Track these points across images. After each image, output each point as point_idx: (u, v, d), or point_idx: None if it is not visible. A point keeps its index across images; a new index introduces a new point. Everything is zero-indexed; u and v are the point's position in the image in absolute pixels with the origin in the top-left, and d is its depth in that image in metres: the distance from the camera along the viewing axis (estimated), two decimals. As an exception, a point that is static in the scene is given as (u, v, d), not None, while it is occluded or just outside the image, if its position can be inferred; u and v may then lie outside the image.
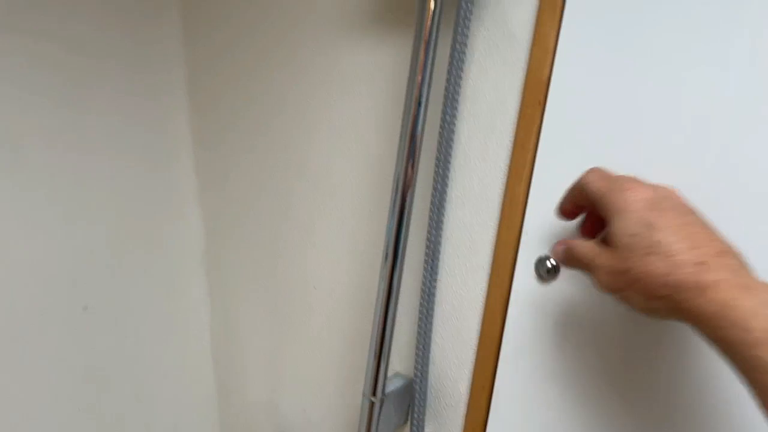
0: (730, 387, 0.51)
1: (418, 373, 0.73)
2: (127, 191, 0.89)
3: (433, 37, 0.59)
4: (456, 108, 0.62)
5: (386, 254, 0.66)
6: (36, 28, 0.74)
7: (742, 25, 0.47)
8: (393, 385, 0.75)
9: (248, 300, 1.01)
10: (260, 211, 0.93)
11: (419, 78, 0.60)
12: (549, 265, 0.60)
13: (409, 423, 0.77)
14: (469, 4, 0.58)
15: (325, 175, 0.81)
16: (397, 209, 0.64)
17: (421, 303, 0.70)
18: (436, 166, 0.65)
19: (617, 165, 0.50)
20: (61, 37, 0.77)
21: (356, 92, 0.74)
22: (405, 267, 0.70)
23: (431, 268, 0.69)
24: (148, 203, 0.93)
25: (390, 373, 0.77)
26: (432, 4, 0.58)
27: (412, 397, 0.75)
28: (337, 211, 0.81)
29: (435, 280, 0.70)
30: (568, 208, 0.51)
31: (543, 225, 0.60)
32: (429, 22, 0.58)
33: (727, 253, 0.38)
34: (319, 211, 0.84)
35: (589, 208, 0.50)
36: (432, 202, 0.66)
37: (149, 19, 0.87)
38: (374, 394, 0.71)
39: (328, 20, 0.75)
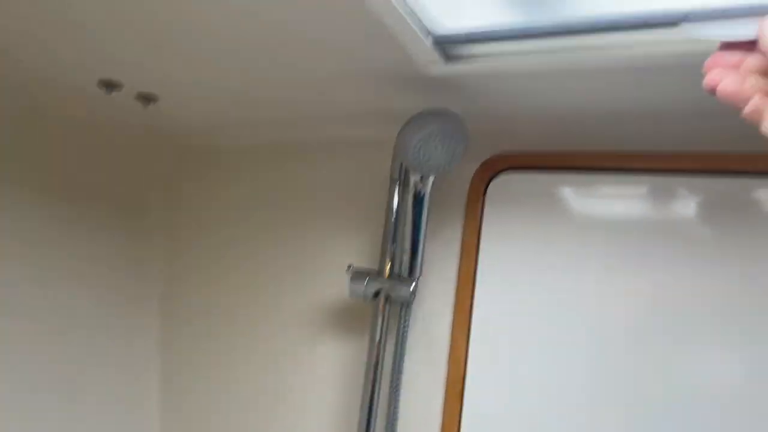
0: None
1: None
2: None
3: (383, 342, 0.84)
4: (398, 399, 0.84)
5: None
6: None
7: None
8: None
9: None
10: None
11: (372, 373, 0.83)
12: None
13: None
14: (406, 322, 0.84)
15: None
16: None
17: None
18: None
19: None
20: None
21: (323, 376, 0.95)
22: None
23: None
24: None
25: None
26: (379, 331, 0.83)
27: None
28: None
29: None
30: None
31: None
32: (379, 335, 0.84)
33: None
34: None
35: None
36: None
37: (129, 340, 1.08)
38: None
39: (298, 321, 0.99)
